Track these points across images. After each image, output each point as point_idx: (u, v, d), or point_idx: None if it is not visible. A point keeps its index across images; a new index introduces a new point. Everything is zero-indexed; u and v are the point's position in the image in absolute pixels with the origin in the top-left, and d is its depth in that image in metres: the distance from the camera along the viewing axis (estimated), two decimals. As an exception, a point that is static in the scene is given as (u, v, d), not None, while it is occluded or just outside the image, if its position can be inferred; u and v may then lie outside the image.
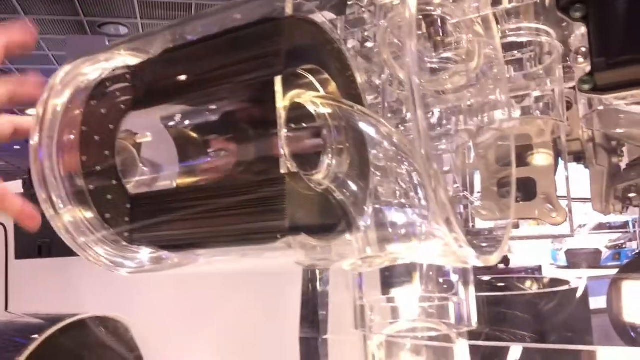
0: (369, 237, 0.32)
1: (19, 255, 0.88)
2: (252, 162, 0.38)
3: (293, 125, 0.39)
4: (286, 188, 0.34)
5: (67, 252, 0.47)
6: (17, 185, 0.87)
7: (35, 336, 0.54)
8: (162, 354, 0.58)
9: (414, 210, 0.33)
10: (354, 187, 0.36)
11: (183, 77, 0.40)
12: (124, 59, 0.45)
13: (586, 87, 0.33)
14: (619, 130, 0.52)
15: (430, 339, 0.34)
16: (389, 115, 0.54)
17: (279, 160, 0.35)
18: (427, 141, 0.29)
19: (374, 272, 0.38)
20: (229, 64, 0.38)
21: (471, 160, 0.60)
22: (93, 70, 0.45)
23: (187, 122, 0.43)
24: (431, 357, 0.34)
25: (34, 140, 0.43)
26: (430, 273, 0.37)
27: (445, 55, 0.43)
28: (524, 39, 0.52)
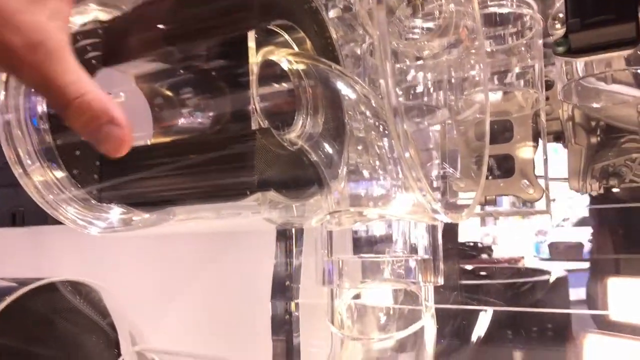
0: (340, 199, 0.32)
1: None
2: (224, 118, 0.37)
3: (267, 83, 0.38)
4: (257, 144, 0.34)
5: (41, 220, 0.46)
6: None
7: (5, 297, 0.53)
8: (136, 320, 0.57)
9: (390, 180, 0.33)
10: (328, 148, 0.36)
11: (154, 33, 0.39)
12: (95, 13, 0.44)
13: (561, 49, 0.33)
14: (595, 105, 0.52)
15: (399, 302, 0.34)
16: (370, 85, 0.54)
17: (251, 116, 0.34)
18: (396, 97, 0.29)
19: (345, 234, 0.38)
20: (201, 19, 0.37)
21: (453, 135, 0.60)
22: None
23: (159, 80, 0.42)
24: (399, 319, 0.34)
25: (1, 96, 0.41)
26: (399, 234, 0.37)
27: (425, 25, 0.43)
28: (505, 10, 0.52)
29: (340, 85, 0.36)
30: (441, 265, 0.36)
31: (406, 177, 0.26)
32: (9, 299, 0.51)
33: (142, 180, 0.38)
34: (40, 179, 0.40)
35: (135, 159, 0.40)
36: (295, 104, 0.38)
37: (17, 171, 0.41)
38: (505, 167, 0.67)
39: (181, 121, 0.40)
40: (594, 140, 0.69)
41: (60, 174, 0.40)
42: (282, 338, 0.44)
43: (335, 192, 0.34)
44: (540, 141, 0.65)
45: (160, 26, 0.39)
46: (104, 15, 0.42)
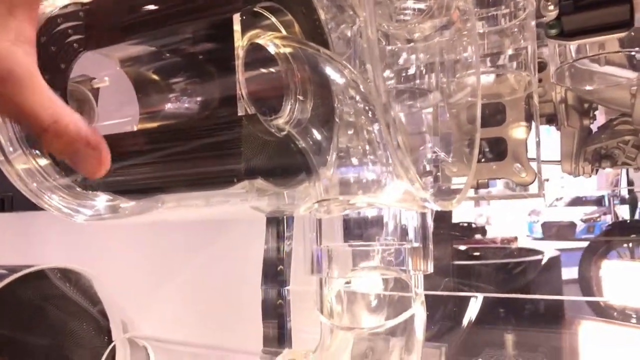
0: (329, 186, 0.32)
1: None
2: (210, 104, 0.36)
3: (254, 67, 0.37)
4: (243, 131, 0.33)
5: (30, 206, 0.45)
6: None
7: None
8: (127, 306, 0.57)
9: (380, 166, 0.33)
10: (317, 134, 0.35)
11: (138, 15, 0.38)
12: (77, -3, 0.43)
13: (553, 31, 0.32)
14: (588, 88, 0.51)
15: (389, 289, 0.34)
16: (360, 68, 0.53)
17: (237, 102, 0.33)
18: (384, 83, 0.28)
19: (334, 220, 0.37)
20: (186, 1, 0.36)
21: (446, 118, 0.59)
22: (45, 5, 0.42)
23: (144, 64, 0.41)
24: (389, 306, 0.34)
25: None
26: (389, 223, 0.37)
27: (416, 6, 0.42)
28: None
29: (329, 70, 0.35)
30: (431, 253, 0.35)
31: (395, 166, 0.25)
32: (-3, 286, 0.51)
33: (128, 168, 0.38)
34: (23, 166, 0.39)
35: (121, 145, 0.39)
36: (283, 89, 0.37)
37: (-1, 159, 0.40)
38: (497, 150, 0.67)
39: (167, 106, 0.40)
40: (586, 122, 0.69)
41: (43, 161, 0.39)
42: (274, 322, 0.44)
43: (324, 180, 0.34)
44: (533, 124, 0.65)
45: (144, 8, 0.38)
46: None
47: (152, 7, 0.38)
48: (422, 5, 0.45)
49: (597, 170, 0.70)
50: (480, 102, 0.44)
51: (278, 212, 0.35)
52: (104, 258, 0.60)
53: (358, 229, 0.37)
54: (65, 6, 0.41)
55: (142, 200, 0.39)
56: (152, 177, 0.37)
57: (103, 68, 0.44)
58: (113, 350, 0.49)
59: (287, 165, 0.35)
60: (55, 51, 0.39)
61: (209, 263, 0.58)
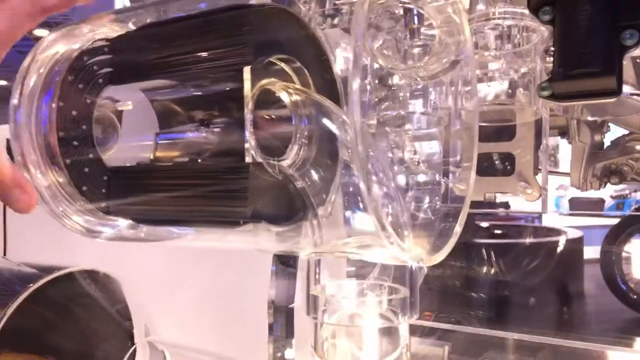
0: (323, 231, 0.34)
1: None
2: (220, 147, 0.39)
3: (262, 112, 0.40)
4: (250, 177, 0.36)
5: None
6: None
7: (29, 285, 0.58)
8: (149, 310, 0.61)
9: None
10: (316, 176, 0.38)
11: (157, 56, 0.41)
12: (106, 30, 0.46)
13: (545, 93, 0.34)
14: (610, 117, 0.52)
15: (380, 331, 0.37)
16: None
17: (245, 149, 0.36)
18: (364, 139, 0.30)
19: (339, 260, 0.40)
20: (201, 49, 0.38)
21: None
22: (75, 40, 0.45)
23: (163, 98, 0.44)
24: (378, 337, 0.37)
25: (14, 101, 0.44)
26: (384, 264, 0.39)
27: (420, 43, 0.43)
28: (509, 22, 0.52)
29: (332, 121, 0.38)
30: (417, 301, 0.38)
31: (379, 237, 0.28)
32: (31, 288, 0.55)
33: (146, 199, 0.41)
34: (50, 192, 0.43)
35: (141, 177, 0.43)
36: (290, 133, 0.39)
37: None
38: (508, 163, 0.68)
39: (184, 138, 0.43)
40: (597, 138, 0.70)
41: (70, 189, 0.42)
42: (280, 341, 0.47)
43: (320, 219, 0.37)
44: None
45: (163, 50, 0.41)
46: (114, 33, 0.44)
47: (169, 50, 0.40)
48: (424, 43, 0.47)
49: (605, 185, 0.71)
50: (477, 132, 0.46)
51: (284, 253, 0.38)
52: (130, 261, 0.64)
53: (351, 268, 0.40)
54: (93, 42, 0.44)
55: (158, 229, 0.43)
56: (165, 210, 0.40)
57: (128, 91, 0.47)
58: (134, 352, 0.54)
59: (288, 205, 0.38)
60: (82, 88, 0.42)
61: (223, 269, 0.61)
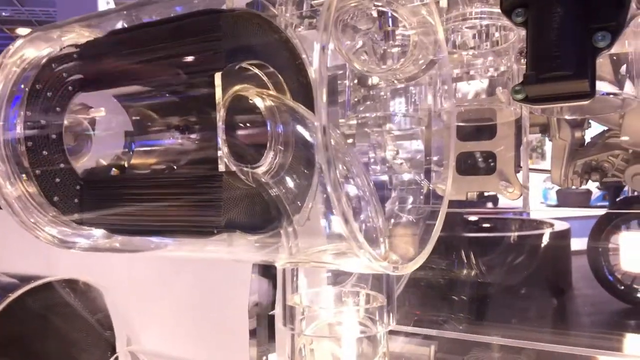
0: (298, 239, 0.34)
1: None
2: (194, 155, 0.39)
3: (236, 118, 0.39)
4: (223, 186, 0.35)
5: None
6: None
7: (8, 295, 0.57)
8: (129, 315, 0.60)
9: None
10: (292, 184, 0.37)
11: (128, 62, 0.40)
12: (76, 36, 0.45)
13: (518, 96, 0.34)
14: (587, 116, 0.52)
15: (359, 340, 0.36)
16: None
17: (217, 158, 0.35)
18: (330, 146, 0.30)
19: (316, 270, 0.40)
20: (172, 54, 0.38)
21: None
22: (44, 47, 0.44)
23: (136, 104, 0.43)
24: (356, 345, 0.36)
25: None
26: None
27: (396, 44, 0.43)
28: (485, 22, 0.51)
29: (306, 128, 0.37)
30: (395, 309, 0.38)
31: (352, 247, 0.28)
32: (10, 298, 0.54)
33: (119, 209, 0.40)
34: (21, 203, 0.42)
35: (114, 187, 0.42)
36: (265, 139, 0.39)
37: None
38: (489, 162, 0.68)
39: (153, 152, 0.42)
40: (578, 135, 0.70)
41: (41, 199, 0.42)
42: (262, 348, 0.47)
43: (295, 227, 0.36)
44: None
45: (133, 56, 0.40)
46: (85, 38, 0.43)
47: (139, 56, 0.39)
48: (399, 45, 0.46)
49: (586, 182, 0.71)
50: (454, 124, 0.46)
51: (260, 263, 0.38)
52: (111, 270, 0.63)
53: (329, 274, 0.40)
54: (61, 48, 0.43)
55: (133, 239, 0.42)
56: (138, 220, 0.39)
57: (100, 98, 0.46)
58: (114, 362, 0.53)
59: (262, 214, 0.38)
60: (51, 96, 0.41)
61: (204, 275, 0.60)
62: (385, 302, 0.38)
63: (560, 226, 3.39)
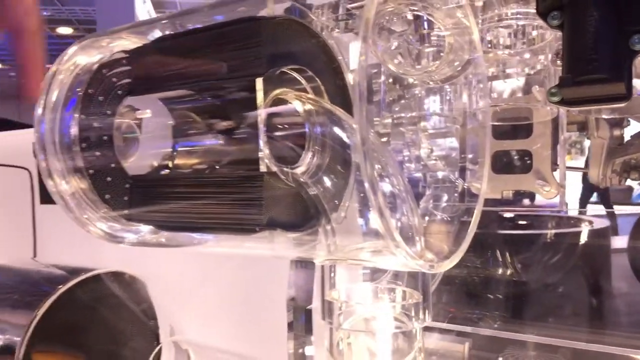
0: (336, 237, 0.35)
1: (44, 200, 0.94)
2: (236, 156, 0.40)
3: (276, 121, 0.41)
4: (264, 185, 0.37)
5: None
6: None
7: (59, 286, 0.60)
8: (172, 307, 0.63)
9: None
10: (329, 183, 0.39)
11: (173, 68, 0.42)
12: (125, 42, 0.47)
13: (554, 99, 0.34)
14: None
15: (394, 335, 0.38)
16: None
17: (259, 159, 0.37)
18: (368, 142, 0.31)
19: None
20: (215, 60, 0.40)
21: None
22: (95, 53, 0.47)
23: (180, 107, 0.46)
24: (392, 341, 0.38)
25: (38, 111, 0.46)
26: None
27: (431, 46, 0.44)
28: (522, 22, 0.51)
29: (343, 129, 0.38)
30: (431, 306, 0.39)
31: (388, 245, 0.29)
32: (61, 289, 0.58)
33: (165, 207, 0.42)
34: (75, 200, 0.45)
35: (160, 185, 0.44)
36: (303, 141, 0.40)
37: (51, 188, 0.46)
38: (526, 160, 0.68)
39: (197, 153, 0.44)
40: (617, 133, 0.69)
41: (93, 197, 0.44)
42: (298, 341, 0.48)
43: (333, 226, 0.37)
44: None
45: (178, 62, 0.42)
46: (132, 45, 0.45)
47: (184, 62, 0.41)
48: (435, 45, 0.47)
49: (625, 180, 0.70)
50: (489, 131, 0.46)
51: (299, 259, 0.39)
52: (154, 263, 0.66)
53: (366, 270, 0.41)
54: (112, 55, 0.45)
55: (178, 235, 0.44)
56: (184, 217, 0.42)
57: (147, 101, 0.49)
58: (159, 352, 0.56)
59: (302, 212, 0.39)
60: (102, 100, 0.43)
61: (244, 270, 0.62)
62: (420, 299, 0.39)
63: (599, 224, 3.31)
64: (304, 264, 0.54)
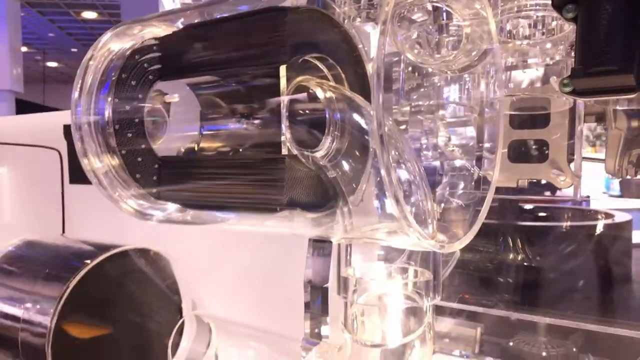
0: (353, 218, 0.37)
1: (73, 180, 0.98)
2: (259, 140, 0.42)
3: (298, 107, 0.42)
4: (286, 168, 0.39)
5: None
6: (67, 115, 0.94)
7: (87, 261, 0.63)
8: (194, 283, 0.66)
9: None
10: (347, 167, 0.41)
11: (201, 54, 0.44)
12: (155, 30, 0.49)
13: (566, 89, 0.35)
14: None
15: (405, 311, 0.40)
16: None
17: (281, 143, 0.39)
18: (384, 133, 0.33)
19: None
20: (240, 48, 0.42)
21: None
22: (127, 40, 0.49)
23: (207, 92, 0.48)
24: (403, 316, 0.40)
25: (75, 95, 0.48)
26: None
27: (450, 36, 0.45)
28: (540, 14, 0.52)
29: (362, 116, 0.40)
30: (441, 285, 0.41)
31: (402, 226, 0.31)
32: (90, 264, 0.61)
33: (192, 186, 0.45)
34: (108, 179, 0.47)
35: (188, 166, 0.47)
36: (323, 126, 0.42)
37: (86, 167, 0.49)
38: (542, 149, 0.69)
39: (222, 136, 0.46)
40: (634, 124, 0.69)
41: (125, 176, 0.47)
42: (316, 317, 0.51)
43: (350, 208, 0.39)
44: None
45: (205, 49, 0.44)
46: (162, 32, 0.47)
47: (211, 49, 0.43)
48: (453, 35, 0.48)
49: (642, 173, 0.70)
50: (502, 120, 0.48)
51: (318, 237, 0.41)
52: (178, 241, 0.69)
53: (381, 251, 0.43)
54: (143, 42, 0.48)
55: (203, 213, 0.46)
56: (209, 196, 0.44)
57: (175, 86, 0.51)
58: (182, 325, 0.59)
59: (321, 194, 0.41)
60: (135, 85, 0.46)
61: (264, 248, 0.65)
62: (431, 278, 0.41)
63: (621, 217, 3.27)
64: (321, 251, 0.56)
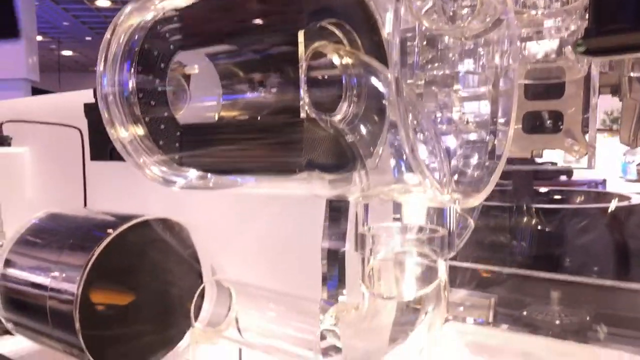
0: (370, 180, 0.39)
1: (94, 157, 1.00)
2: (277, 105, 0.44)
3: (315, 72, 0.44)
4: (304, 131, 0.40)
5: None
6: (88, 94, 0.96)
7: (110, 231, 0.65)
8: (213, 250, 0.68)
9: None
10: (364, 130, 0.42)
11: (219, 24, 0.45)
12: (175, 1, 0.50)
13: (580, 49, 0.36)
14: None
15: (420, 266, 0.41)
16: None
17: (300, 106, 0.40)
18: (402, 85, 0.34)
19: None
20: (259, 16, 0.43)
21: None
22: (148, 12, 0.51)
23: (225, 62, 0.49)
24: (418, 271, 0.41)
25: (100, 67, 0.50)
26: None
27: (465, 6, 0.46)
28: (554, -20, 0.53)
29: (379, 80, 0.41)
30: (455, 242, 0.42)
31: (420, 180, 0.32)
32: (114, 233, 0.63)
33: (213, 152, 0.46)
34: (132, 147, 0.49)
35: (209, 133, 0.48)
36: (341, 91, 0.43)
37: (113, 136, 0.50)
38: (556, 120, 0.69)
39: (242, 102, 0.47)
40: (650, 95, 0.69)
41: (149, 143, 0.48)
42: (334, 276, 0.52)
43: (367, 169, 0.41)
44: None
45: (225, 18, 0.45)
46: (181, 3, 0.49)
47: (230, 17, 0.45)
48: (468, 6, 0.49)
49: (657, 143, 0.71)
50: (517, 90, 0.48)
51: (336, 198, 0.43)
52: (196, 210, 0.71)
53: (397, 215, 0.44)
54: (164, 13, 0.49)
55: (223, 178, 0.48)
56: (230, 162, 0.46)
57: (194, 56, 0.52)
58: (203, 290, 0.61)
59: (338, 156, 0.42)
60: (157, 55, 0.47)
61: (281, 217, 0.67)
62: (445, 233, 0.43)
63: (638, 200, 3.23)
64: (337, 223, 0.57)
